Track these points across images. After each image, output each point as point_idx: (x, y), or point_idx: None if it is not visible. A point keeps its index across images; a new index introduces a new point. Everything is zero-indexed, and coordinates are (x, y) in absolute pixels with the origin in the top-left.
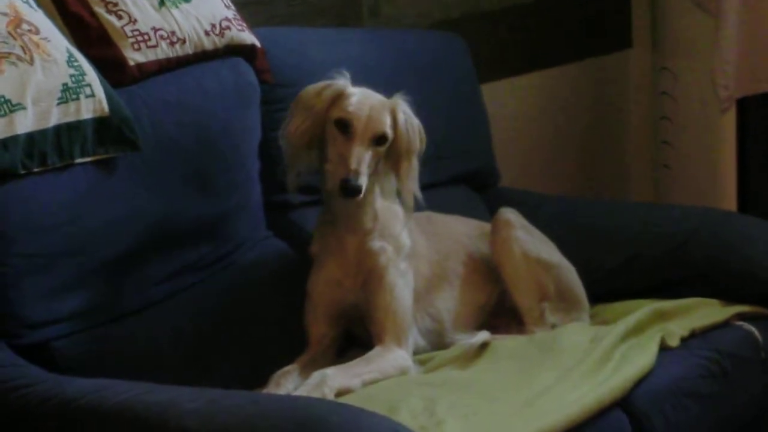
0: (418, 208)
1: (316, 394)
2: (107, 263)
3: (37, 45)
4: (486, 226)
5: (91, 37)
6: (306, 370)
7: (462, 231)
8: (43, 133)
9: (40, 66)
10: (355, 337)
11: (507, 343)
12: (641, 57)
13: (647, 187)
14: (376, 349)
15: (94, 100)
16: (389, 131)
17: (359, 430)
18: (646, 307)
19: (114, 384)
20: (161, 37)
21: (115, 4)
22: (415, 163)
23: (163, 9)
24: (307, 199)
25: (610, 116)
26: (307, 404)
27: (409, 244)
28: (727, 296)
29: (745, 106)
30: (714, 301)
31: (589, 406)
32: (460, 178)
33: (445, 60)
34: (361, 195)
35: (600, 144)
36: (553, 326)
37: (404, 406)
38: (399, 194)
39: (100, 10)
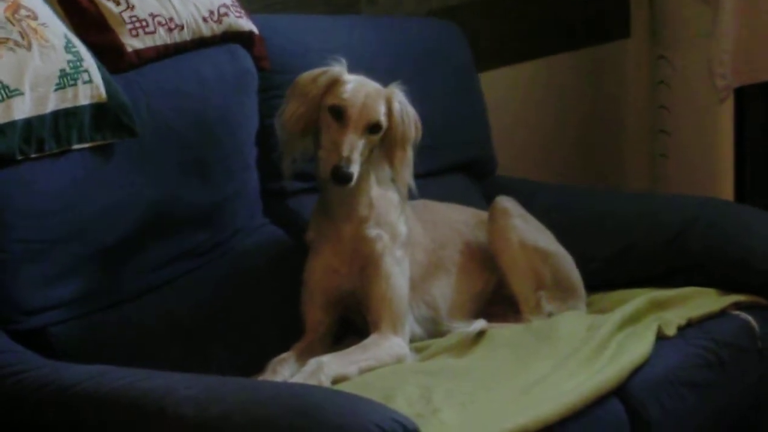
0: (411, 197)
1: (312, 382)
2: (104, 249)
3: (35, 30)
4: (483, 215)
5: (89, 23)
6: (302, 358)
7: (459, 219)
8: (40, 118)
9: (37, 52)
10: (351, 324)
11: (503, 331)
12: (639, 46)
13: (644, 177)
14: (373, 337)
15: (92, 86)
16: (383, 120)
17: (355, 418)
18: (642, 296)
19: (110, 370)
20: (159, 23)
21: None
22: (409, 153)
23: None
24: (304, 186)
25: (607, 105)
26: (303, 391)
27: (405, 232)
28: (724, 286)
29: (743, 96)
30: (711, 291)
31: (585, 395)
32: (458, 166)
33: (443, 48)
34: (353, 182)
35: (597, 133)
36: (550, 315)
37: (400, 393)
38: (394, 182)
39: None
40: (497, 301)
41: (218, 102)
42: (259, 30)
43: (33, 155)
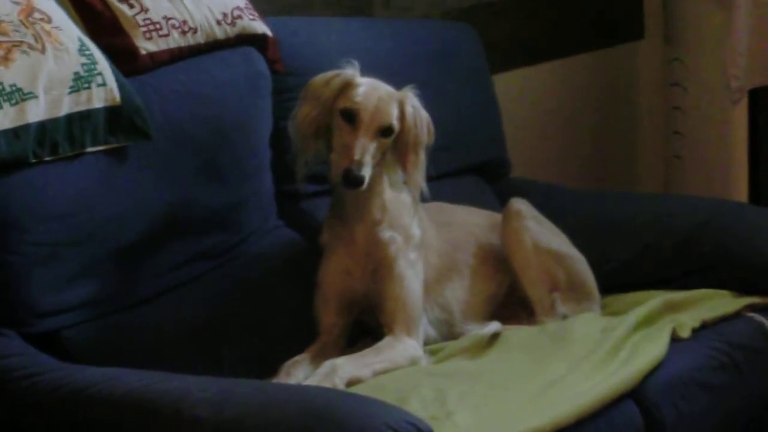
0: (423, 199)
1: (326, 384)
2: (118, 252)
3: (49, 34)
4: (497, 217)
5: (102, 26)
6: (316, 360)
7: (472, 221)
8: (54, 121)
9: (51, 55)
10: (365, 326)
11: (518, 333)
12: (653, 48)
13: (658, 178)
14: (387, 339)
15: (106, 89)
16: (395, 123)
17: (369, 420)
18: (657, 298)
19: (125, 373)
20: (173, 26)
21: None
22: (422, 156)
23: None
24: (319, 189)
25: (621, 107)
26: (317, 394)
27: (419, 235)
28: (738, 287)
29: (757, 97)
30: (725, 293)
31: (600, 397)
32: (472, 168)
33: (456, 50)
34: (364, 186)
35: (611, 135)
36: (564, 317)
37: (414, 396)
38: (406, 185)
39: None
40: (511, 304)
41: (232, 104)
42: (273, 32)
43: (47, 158)
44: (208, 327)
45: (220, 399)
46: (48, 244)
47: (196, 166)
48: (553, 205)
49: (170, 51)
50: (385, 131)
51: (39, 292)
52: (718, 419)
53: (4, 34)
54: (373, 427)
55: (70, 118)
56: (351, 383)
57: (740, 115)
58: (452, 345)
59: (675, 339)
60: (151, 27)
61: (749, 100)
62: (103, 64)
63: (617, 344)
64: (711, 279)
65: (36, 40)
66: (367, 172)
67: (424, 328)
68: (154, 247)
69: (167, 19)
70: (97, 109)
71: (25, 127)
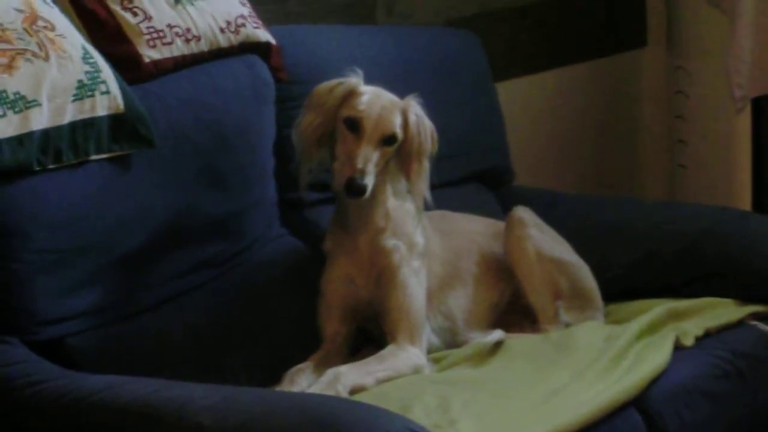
0: (426, 208)
1: (329, 392)
2: (122, 260)
3: (53, 42)
4: (500, 225)
5: (106, 34)
6: (319, 368)
7: (476, 229)
8: (58, 129)
9: (55, 62)
10: (368, 334)
11: (521, 341)
12: (656, 56)
13: (662, 186)
14: (390, 348)
15: (110, 97)
16: (399, 132)
17: (373, 428)
18: (660, 307)
19: (128, 381)
20: (176, 34)
21: (131, 1)
22: (425, 165)
23: (179, 6)
24: (322, 197)
25: (624, 115)
26: (320, 402)
27: (422, 243)
28: (742, 296)
29: (760, 105)
30: (729, 301)
31: (603, 405)
32: (475, 176)
33: (459, 58)
34: (366, 195)
35: (615, 143)
36: (567, 325)
37: (418, 404)
38: (410, 194)
39: (115, 6)
40: (514, 312)
41: (236, 113)
42: (277, 41)
43: (50, 166)
44: (211, 335)
45: (223, 407)
46: (51, 251)
47: (200, 174)
48: (555, 212)
49: (174, 59)
50: (388, 140)
51: (42, 300)
52: (721, 428)
53: (8, 42)
54: None
55: (74, 126)
56: (354, 391)
57: (744, 123)
58: (455, 353)
59: (678, 347)
60: (155, 35)
61: (753, 108)
62: (107, 72)
63: (620, 352)
64: (714, 287)
65: (40, 48)
66: (369, 182)
67: (427, 336)
68: (158, 255)
69: (171, 27)
70: (101, 117)
71: (29, 135)
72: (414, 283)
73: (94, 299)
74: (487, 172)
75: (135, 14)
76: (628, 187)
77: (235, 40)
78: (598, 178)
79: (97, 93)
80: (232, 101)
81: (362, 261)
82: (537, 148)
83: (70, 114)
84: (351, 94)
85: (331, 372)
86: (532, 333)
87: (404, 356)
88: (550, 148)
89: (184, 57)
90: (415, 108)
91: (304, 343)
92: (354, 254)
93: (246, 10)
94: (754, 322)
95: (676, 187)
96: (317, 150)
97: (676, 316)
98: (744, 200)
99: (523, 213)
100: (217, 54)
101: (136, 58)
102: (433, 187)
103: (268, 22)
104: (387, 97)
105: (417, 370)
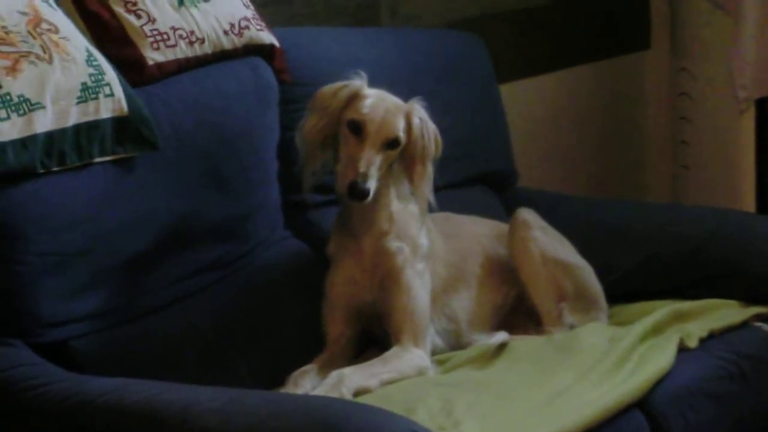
0: (430, 210)
1: (333, 394)
2: (125, 262)
3: (57, 44)
4: (504, 227)
5: (110, 37)
6: (324, 370)
7: (480, 231)
8: (62, 132)
9: (59, 65)
10: (372, 336)
11: (525, 343)
12: (660, 57)
13: (665, 188)
14: (394, 349)
15: (113, 99)
16: (402, 135)
17: (377, 430)
18: (664, 308)
19: (133, 383)
20: (180, 36)
21: (135, 4)
22: (429, 168)
23: (182, 8)
24: (326, 199)
25: (628, 117)
26: (325, 404)
27: (426, 245)
28: (745, 297)
29: (764, 107)
30: (732, 302)
31: (607, 407)
32: (478, 178)
33: (463, 60)
34: (369, 198)
35: (618, 144)
36: (571, 327)
37: (422, 406)
38: (413, 196)
39: (119, 9)
40: (518, 313)
41: (239, 115)
42: (280, 43)
43: (54, 168)
44: (215, 337)
45: (227, 409)
46: (56, 254)
47: (203, 176)
48: (559, 214)
49: (177, 61)
50: (392, 143)
51: (47, 302)
52: (725, 429)
53: (11, 44)
54: None
55: (78, 129)
56: (358, 393)
57: (747, 125)
58: (459, 355)
59: (682, 349)
60: (159, 37)
61: (756, 109)
62: (111, 75)
63: (624, 354)
64: (718, 288)
65: (44, 50)
66: (372, 185)
67: (432, 338)
68: (162, 258)
69: (174, 29)
70: (105, 120)
71: (33, 138)
72: (418, 285)
73: (98, 302)
74: (490, 174)
75: (139, 17)
76: (631, 188)
77: (238, 42)
78: (602, 180)
79: (100, 95)
80: (235, 103)
81: (366, 263)
82: (541, 150)
83: (74, 116)
84: (355, 97)
85: (335, 374)
86: (536, 335)
87: (408, 358)
88: (554, 150)
89: (187, 59)
90: (419, 111)
91: (308, 346)
92: (358, 257)
93: (250, 13)
94: (758, 324)
95: (679, 188)
96: (321, 152)
97: (680, 317)
98: (747, 202)
99: (527, 215)
100: (221, 56)
101: (140, 60)
102: (437, 189)
103: (271, 24)
104: (391, 100)
105: (421, 372)
